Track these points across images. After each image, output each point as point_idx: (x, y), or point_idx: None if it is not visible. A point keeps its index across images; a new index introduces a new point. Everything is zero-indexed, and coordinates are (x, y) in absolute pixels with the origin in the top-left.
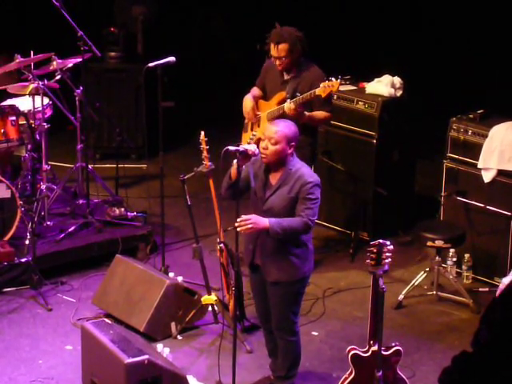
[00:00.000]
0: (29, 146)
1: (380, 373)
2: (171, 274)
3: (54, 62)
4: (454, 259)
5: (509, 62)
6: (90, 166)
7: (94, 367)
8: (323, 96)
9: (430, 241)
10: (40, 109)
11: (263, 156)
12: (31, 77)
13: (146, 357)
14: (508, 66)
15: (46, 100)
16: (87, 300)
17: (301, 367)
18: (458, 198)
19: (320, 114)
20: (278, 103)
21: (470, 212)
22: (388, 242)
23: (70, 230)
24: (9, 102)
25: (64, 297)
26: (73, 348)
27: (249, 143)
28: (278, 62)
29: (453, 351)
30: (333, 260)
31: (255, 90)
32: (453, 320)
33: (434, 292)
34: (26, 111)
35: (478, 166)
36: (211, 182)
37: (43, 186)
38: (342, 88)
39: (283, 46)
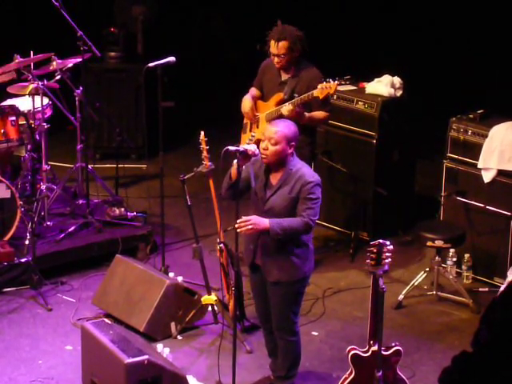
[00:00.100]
0: (29, 146)
1: (380, 373)
2: (171, 274)
3: (54, 62)
4: (454, 259)
5: (509, 62)
6: (89, 166)
7: (94, 367)
8: (321, 97)
9: (429, 241)
10: (40, 109)
11: (263, 156)
12: (31, 77)
13: (145, 357)
14: (508, 66)
15: (46, 100)
16: (87, 300)
17: (301, 367)
18: (458, 198)
19: (319, 114)
20: (275, 104)
21: (469, 212)
22: (388, 242)
23: (69, 230)
24: (9, 102)
25: (64, 297)
26: (73, 348)
27: (248, 144)
28: (276, 60)
29: (453, 351)
30: (333, 260)
31: (253, 91)
32: (453, 320)
33: (434, 292)
34: (25, 111)
35: (478, 166)
36: (211, 182)
37: (43, 186)
38: (342, 88)
39: (283, 44)
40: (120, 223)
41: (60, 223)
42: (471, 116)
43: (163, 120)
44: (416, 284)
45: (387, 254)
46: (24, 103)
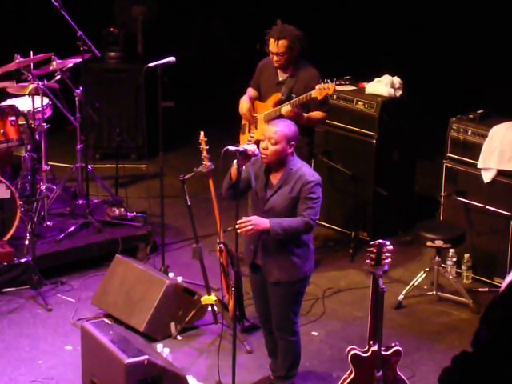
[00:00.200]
0: (28, 147)
1: (380, 373)
2: (171, 274)
3: (54, 62)
4: (454, 259)
5: (509, 62)
6: (89, 166)
7: (94, 367)
8: (319, 98)
9: (429, 241)
10: (40, 109)
11: (263, 156)
12: (31, 77)
13: (145, 357)
14: (508, 66)
15: (46, 100)
16: (87, 300)
17: (301, 367)
18: (458, 198)
19: (317, 114)
20: (273, 105)
21: (469, 212)
22: (388, 242)
23: (69, 230)
24: (9, 102)
25: (64, 297)
26: (73, 348)
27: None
28: (275, 58)
29: (453, 351)
30: (333, 260)
31: (251, 91)
32: (453, 320)
33: (434, 292)
34: (25, 111)
35: (478, 166)
36: (211, 182)
37: (43, 187)
38: (342, 88)
39: (283, 42)
40: (120, 223)
41: (60, 223)
42: (471, 116)
43: (163, 120)
44: (416, 284)
45: (387, 254)
46: (24, 103)
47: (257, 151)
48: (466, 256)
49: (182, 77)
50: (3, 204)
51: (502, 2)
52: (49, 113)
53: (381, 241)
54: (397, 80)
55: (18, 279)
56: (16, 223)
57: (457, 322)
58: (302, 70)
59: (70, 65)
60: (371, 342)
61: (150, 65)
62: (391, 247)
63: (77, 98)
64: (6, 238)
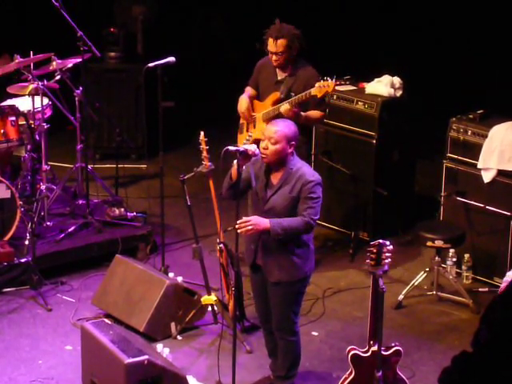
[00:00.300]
0: (28, 147)
1: (380, 373)
2: (171, 274)
3: (54, 63)
4: (454, 259)
5: (509, 62)
6: (89, 166)
7: (94, 367)
8: (319, 96)
9: (429, 241)
10: (40, 109)
11: (263, 156)
12: (31, 77)
13: (145, 357)
14: (508, 66)
15: (46, 100)
16: (87, 300)
17: (301, 367)
18: (458, 198)
19: (315, 113)
20: (272, 103)
21: (469, 212)
22: (388, 242)
23: (69, 230)
24: (9, 102)
25: (64, 297)
26: (73, 348)
27: (245, 144)
28: (274, 58)
29: (453, 351)
30: (332, 260)
31: (249, 90)
32: (453, 320)
33: (434, 292)
34: (25, 111)
35: (478, 166)
36: (211, 182)
37: (43, 187)
38: (342, 88)
39: (282, 42)
40: (120, 223)
41: (60, 223)
42: (471, 116)
43: (163, 120)
44: (416, 284)
45: (387, 254)
46: (24, 103)
47: (257, 151)
48: (466, 256)
49: (181, 77)
50: (3, 204)
51: (502, 2)
52: (49, 113)
53: (381, 241)
54: (397, 80)
55: (18, 279)
56: (16, 223)
57: (457, 322)
58: (300, 70)
59: (69, 65)
60: (371, 342)
61: (150, 65)
62: (391, 247)
63: (77, 98)
64: (6, 238)
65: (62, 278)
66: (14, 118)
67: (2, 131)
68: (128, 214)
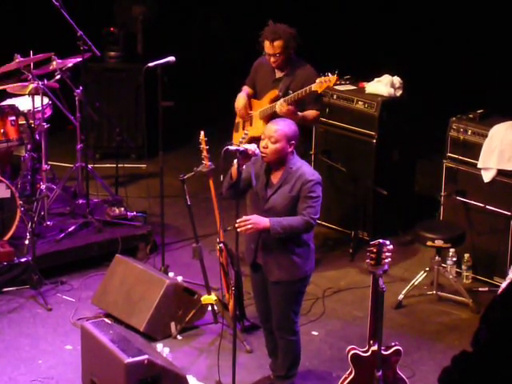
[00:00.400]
0: (28, 146)
1: (380, 372)
2: (171, 274)
3: (54, 62)
4: (454, 259)
5: (509, 62)
6: (89, 166)
7: (94, 367)
8: (319, 91)
9: (429, 240)
10: (40, 109)
11: (263, 155)
12: (31, 77)
13: (145, 357)
14: (508, 66)
15: (46, 100)
16: (87, 300)
17: (301, 367)
18: (458, 198)
19: (311, 113)
20: (270, 101)
21: (469, 212)
22: (388, 242)
23: (69, 229)
24: (9, 101)
25: (64, 296)
26: (73, 348)
27: (240, 142)
28: (272, 60)
29: (453, 351)
30: (332, 260)
31: (246, 89)
32: (453, 320)
33: (434, 292)
34: (25, 111)
35: (478, 166)
36: (211, 181)
37: (43, 186)
38: (342, 88)
39: (278, 43)
40: (120, 223)
41: (60, 223)
42: (471, 116)
43: (163, 120)
44: (416, 284)
45: (387, 254)
46: (24, 103)
47: (257, 151)
48: (466, 256)
49: (182, 77)
50: (3, 204)
51: (502, 2)
52: (49, 112)
53: (381, 240)
54: (397, 80)
55: (18, 279)
56: (16, 223)
57: (457, 322)
58: (298, 68)
59: (69, 64)
60: (371, 342)
61: (150, 64)
62: (391, 247)
63: (77, 98)
64: (6, 237)
65: (62, 277)
66: (13, 118)
67: (2, 131)
68: (128, 213)
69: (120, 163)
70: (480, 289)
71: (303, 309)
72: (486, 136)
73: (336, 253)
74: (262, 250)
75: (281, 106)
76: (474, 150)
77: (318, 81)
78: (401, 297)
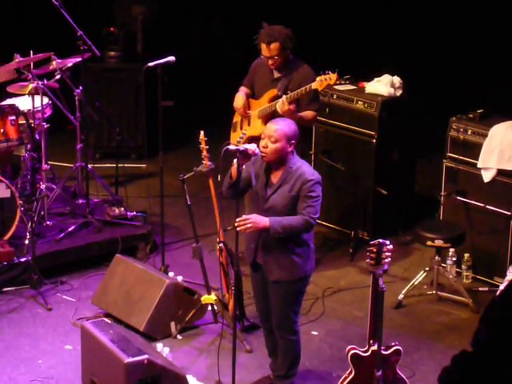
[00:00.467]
0: (28, 146)
1: (380, 372)
2: (171, 274)
3: (54, 62)
4: (454, 259)
5: (509, 62)
6: (89, 166)
7: (94, 367)
8: (320, 89)
9: (429, 240)
10: (40, 108)
11: (263, 154)
12: (31, 76)
13: (145, 356)
14: (508, 66)
15: (46, 100)
16: (87, 300)
17: (301, 366)
18: (458, 198)
19: (308, 113)
20: (269, 101)
21: (469, 211)
22: (388, 242)
23: (69, 229)
24: (8, 101)
25: (64, 296)
26: (72, 348)
27: (238, 142)
28: (270, 62)
29: (453, 351)
30: (332, 259)
31: (244, 89)
32: (453, 320)
33: (434, 292)
34: (25, 111)
35: (478, 166)
36: (211, 181)
37: (43, 186)
38: (342, 88)
39: (275, 45)
40: (120, 223)
41: (60, 223)
42: (471, 116)
43: (163, 120)
44: (416, 283)
45: (387, 254)
46: (24, 103)
47: (257, 150)
48: (466, 255)
49: (181, 77)
50: (3, 203)
51: (502, 2)
52: (49, 112)
53: (381, 240)
54: (397, 80)
55: (17, 278)
56: (16, 223)
57: (457, 322)
58: (296, 69)
59: (69, 64)
60: (371, 342)
61: (150, 64)
62: (391, 247)
63: (77, 98)
64: (6, 237)
65: (61, 277)
66: (13, 118)
67: (2, 130)
68: (128, 213)
69: (120, 163)
70: (480, 289)
71: (303, 308)
72: (486, 136)
73: (336, 252)
74: (261, 249)
75: (282, 104)
76: (474, 149)
77: (318, 79)
78: (401, 297)
